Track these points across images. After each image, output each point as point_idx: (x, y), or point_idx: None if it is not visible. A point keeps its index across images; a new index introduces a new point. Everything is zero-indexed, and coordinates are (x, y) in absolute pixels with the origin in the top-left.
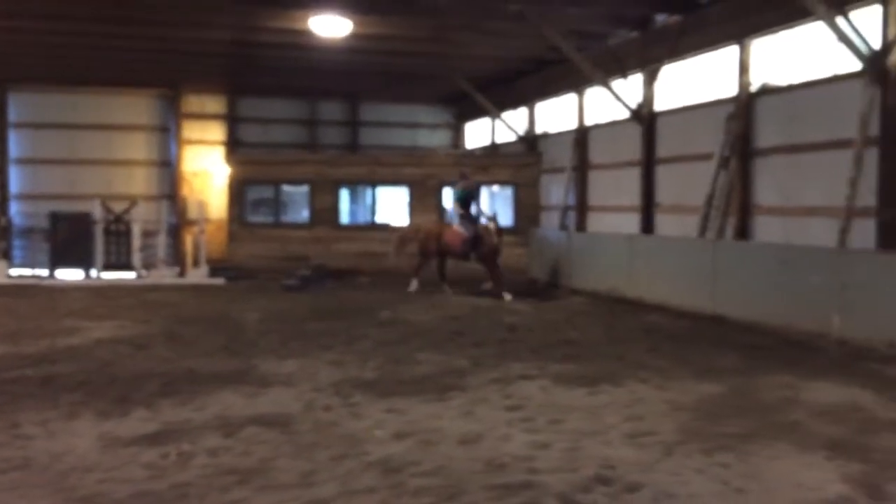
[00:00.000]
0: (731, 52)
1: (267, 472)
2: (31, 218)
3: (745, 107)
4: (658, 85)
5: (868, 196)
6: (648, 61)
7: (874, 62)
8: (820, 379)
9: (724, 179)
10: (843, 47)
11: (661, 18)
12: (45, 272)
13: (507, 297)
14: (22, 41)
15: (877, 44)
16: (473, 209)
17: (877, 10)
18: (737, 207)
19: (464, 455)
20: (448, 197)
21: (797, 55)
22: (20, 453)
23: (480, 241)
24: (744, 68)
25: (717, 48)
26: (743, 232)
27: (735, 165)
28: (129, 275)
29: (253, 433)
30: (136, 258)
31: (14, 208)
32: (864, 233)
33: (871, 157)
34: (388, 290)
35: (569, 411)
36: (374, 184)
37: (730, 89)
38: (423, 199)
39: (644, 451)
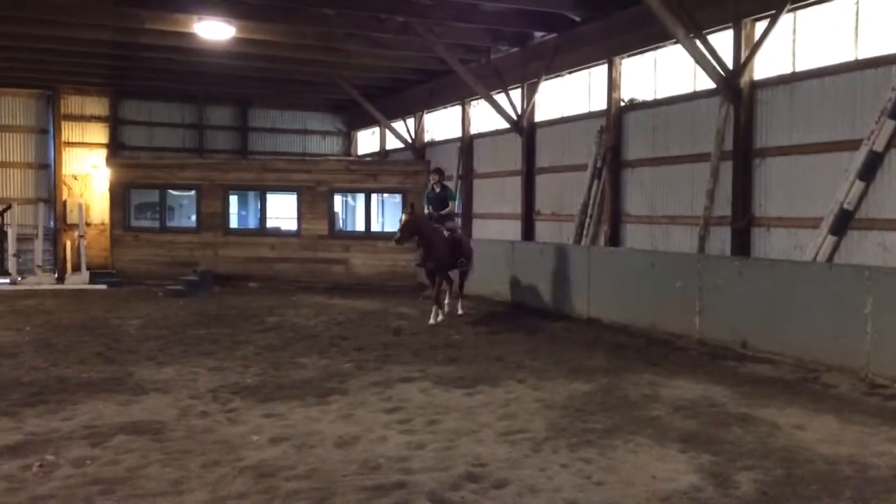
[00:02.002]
0: (602, 69)
1: (134, 480)
2: None
3: (615, 121)
4: (537, 98)
5: (724, 206)
6: (527, 76)
7: (728, 82)
8: (680, 377)
9: (597, 189)
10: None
11: (539, 35)
12: None
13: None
14: None
15: (730, 65)
16: (447, 210)
17: (730, 35)
18: (609, 216)
19: (339, 457)
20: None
21: (662, 73)
22: None
23: (460, 247)
24: (613, 85)
25: (589, 66)
26: (614, 239)
27: (607, 176)
28: (3, 281)
29: (123, 441)
30: (11, 263)
31: None
32: (720, 240)
33: (726, 170)
34: (276, 295)
35: (446, 412)
36: (263, 189)
37: (601, 103)
38: (313, 204)
39: (514, 448)
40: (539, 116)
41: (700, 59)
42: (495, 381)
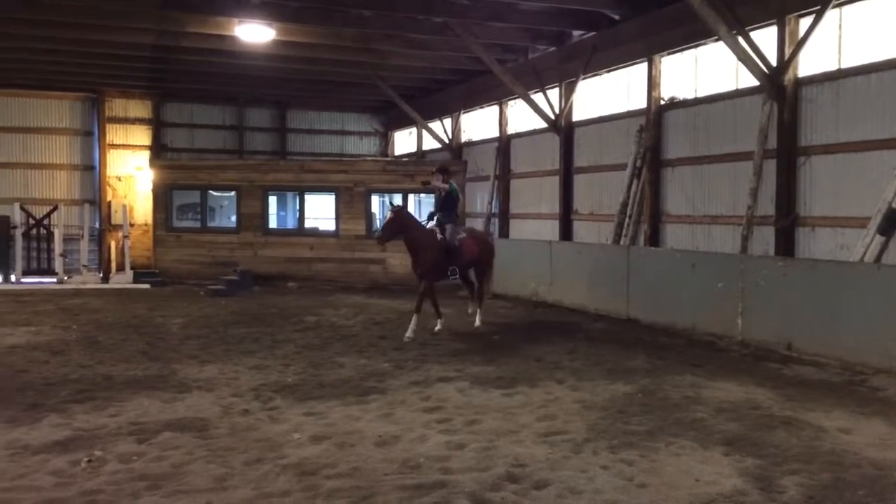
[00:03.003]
0: (641, 68)
1: (179, 476)
2: None
3: (655, 120)
4: (575, 97)
5: (767, 205)
6: (565, 75)
7: (772, 79)
8: (722, 378)
9: (636, 189)
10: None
11: (577, 34)
12: None
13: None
14: None
15: (774, 62)
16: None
17: (773, 32)
18: (648, 215)
19: (379, 456)
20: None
21: (703, 71)
22: None
23: (456, 254)
24: (653, 83)
25: (628, 64)
26: (654, 239)
27: (646, 175)
28: (50, 280)
29: (168, 438)
30: (58, 263)
31: None
32: (763, 240)
33: (770, 168)
34: (315, 295)
35: (485, 412)
36: (301, 190)
37: (641, 102)
38: (351, 205)
39: (554, 449)
40: (577, 116)
41: (743, 57)
42: (534, 381)
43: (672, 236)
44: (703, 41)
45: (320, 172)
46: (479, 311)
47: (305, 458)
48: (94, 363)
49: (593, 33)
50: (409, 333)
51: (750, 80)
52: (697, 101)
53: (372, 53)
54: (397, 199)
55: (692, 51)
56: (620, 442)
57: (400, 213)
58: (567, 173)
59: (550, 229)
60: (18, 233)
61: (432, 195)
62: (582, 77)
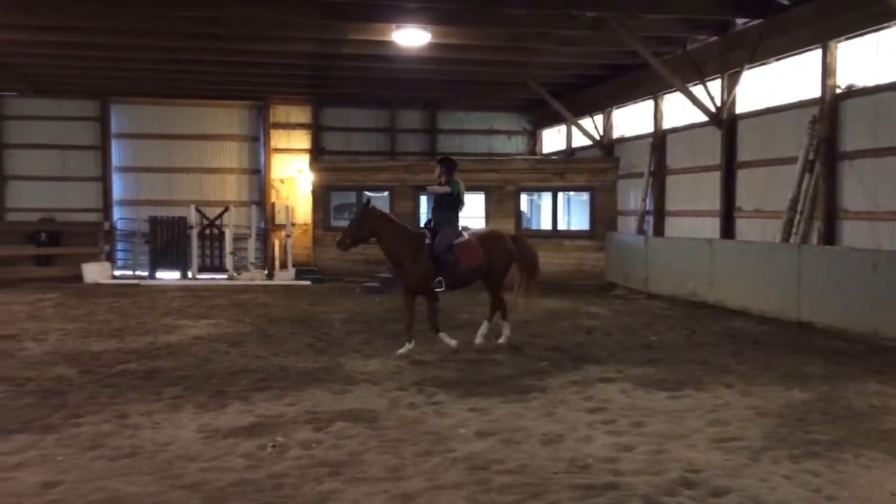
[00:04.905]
0: (814, 54)
1: (356, 465)
2: (132, 222)
3: (830, 109)
4: (738, 88)
5: None
6: (728, 65)
7: None
8: None
9: (808, 183)
10: None
11: (740, 22)
12: (145, 273)
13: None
14: (124, 58)
15: None
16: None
17: None
18: (822, 212)
19: (546, 454)
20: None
21: (885, 56)
22: (129, 442)
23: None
24: (828, 71)
25: (799, 51)
26: (829, 237)
27: (820, 169)
28: (222, 276)
29: (342, 428)
30: (229, 261)
31: (117, 213)
32: None
33: None
34: (465, 293)
35: (651, 414)
36: None
37: (813, 91)
38: (500, 204)
39: (730, 455)
40: (740, 108)
41: None
42: (701, 384)
43: (850, 234)
44: (886, 24)
45: (470, 172)
46: (506, 325)
47: (474, 452)
48: (269, 355)
49: (760, 20)
50: (403, 350)
51: None
52: (879, 89)
53: (522, 52)
54: (545, 199)
55: (873, 35)
56: (803, 451)
57: (369, 211)
58: (729, 168)
59: (710, 227)
60: (194, 233)
61: (584, 194)
62: (747, 66)
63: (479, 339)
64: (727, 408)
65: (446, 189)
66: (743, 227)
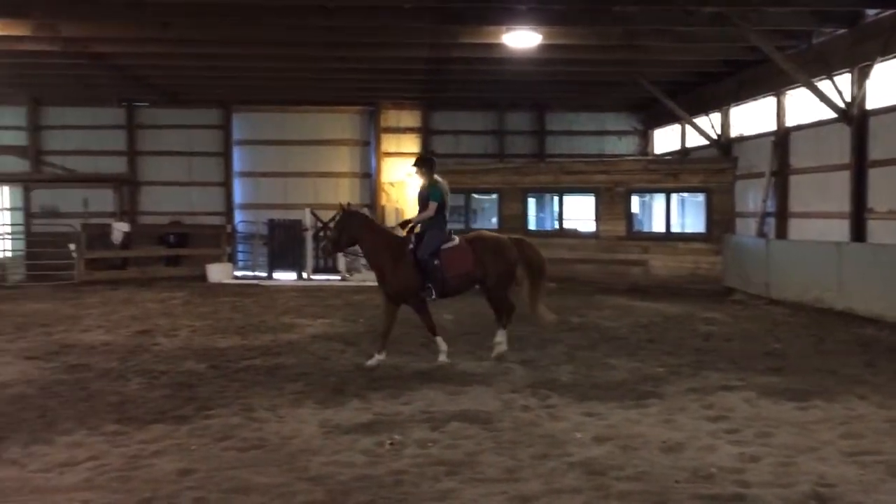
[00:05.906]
0: None
1: (473, 465)
2: (252, 225)
3: None
4: (870, 83)
5: None
6: (858, 59)
7: None
8: None
9: None
10: None
11: (872, 13)
12: (263, 273)
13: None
14: (245, 67)
15: None
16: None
17: None
18: None
19: (667, 462)
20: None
21: None
22: (256, 434)
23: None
24: None
25: None
26: None
27: None
28: (335, 277)
29: (457, 428)
30: (342, 262)
31: (238, 217)
32: None
33: None
34: (576, 296)
35: (777, 425)
36: (560, 191)
37: None
38: (611, 205)
39: (866, 470)
40: (872, 103)
41: None
42: (830, 395)
43: None
44: None
45: (580, 174)
46: (503, 331)
47: (591, 457)
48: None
49: (893, 11)
50: (372, 361)
51: None
52: None
53: (635, 50)
54: (658, 200)
55: None
56: None
57: (349, 212)
58: (860, 167)
59: (838, 229)
60: (308, 235)
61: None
62: (879, 59)
63: (500, 349)
64: (861, 420)
65: (430, 213)
66: (876, 229)
